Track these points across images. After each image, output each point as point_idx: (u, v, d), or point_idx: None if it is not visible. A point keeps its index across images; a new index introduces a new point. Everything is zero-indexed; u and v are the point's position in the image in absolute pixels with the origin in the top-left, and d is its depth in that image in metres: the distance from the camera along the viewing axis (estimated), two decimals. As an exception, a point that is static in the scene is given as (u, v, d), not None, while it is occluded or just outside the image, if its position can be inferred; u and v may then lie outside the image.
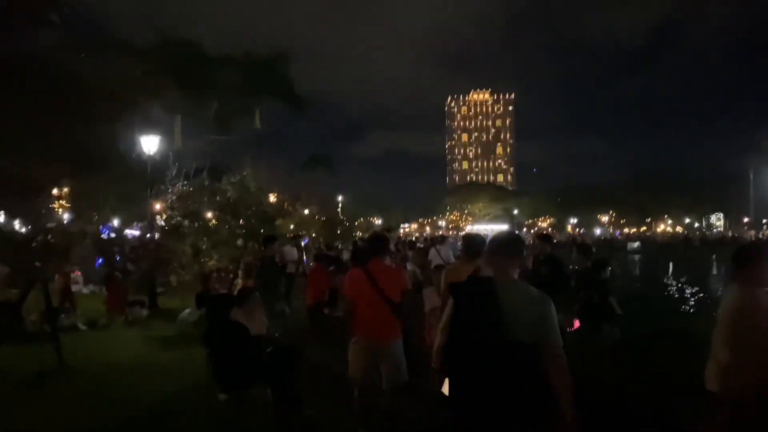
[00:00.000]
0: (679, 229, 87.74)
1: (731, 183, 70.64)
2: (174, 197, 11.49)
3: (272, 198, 22.52)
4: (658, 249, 52.07)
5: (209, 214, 11.29)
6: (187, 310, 10.55)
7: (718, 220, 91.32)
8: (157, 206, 12.80)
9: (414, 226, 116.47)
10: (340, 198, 56.88)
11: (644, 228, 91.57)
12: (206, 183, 11.97)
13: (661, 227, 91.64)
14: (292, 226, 25.65)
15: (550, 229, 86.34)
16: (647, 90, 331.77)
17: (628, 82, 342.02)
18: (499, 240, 3.15)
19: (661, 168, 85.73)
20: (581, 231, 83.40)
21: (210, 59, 16.88)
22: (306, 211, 30.71)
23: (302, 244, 15.56)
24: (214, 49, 19.85)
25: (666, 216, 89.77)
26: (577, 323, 6.32)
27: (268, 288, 7.93)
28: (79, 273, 15.39)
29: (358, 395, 4.76)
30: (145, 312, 11.64)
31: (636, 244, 55.73)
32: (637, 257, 43.41)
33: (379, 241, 5.06)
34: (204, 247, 10.38)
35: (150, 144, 12.56)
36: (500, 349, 2.69)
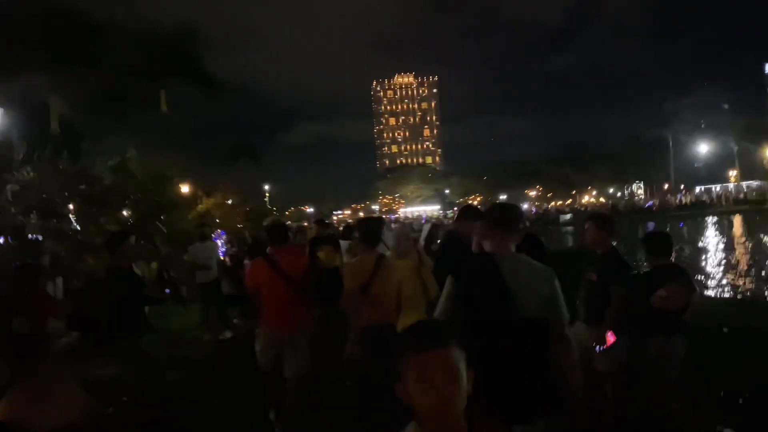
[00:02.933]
0: (602, 199, 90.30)
1: (651, 152, 73.15)
2: (16, 187, 8.60)
3: (185, 189, 20.25)
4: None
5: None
6: None
7: (638, 189, 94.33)
8: None
9: (347, 212, 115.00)
10: (267, 188, 54.75)
11: (569, 200, 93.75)
12: (61, 167, 9.36)
13: (585, 198, 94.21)
14: (218, 220, 23.32)
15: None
16: (569, 66, 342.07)
17: (550, 59, 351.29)
18: (498, 212, 2.97)
19: (584, 141, 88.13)
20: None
21: (94, 30, 14.45)
22: (229, 201, 28.43)
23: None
24: (110, 26, 17.41)
25: (590, 187, 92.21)
26: (610, 338, 4.23)
27: (115, 317, 5.14)
28: None
29: (267, 387, 4.65)
30: None
31: (568, 216, 56.30)
32: (569, 229, 43.58)
33: (277, 228, 4.93)
34: (62, 254, 8.01)
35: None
36: (510, 326, 2.57)
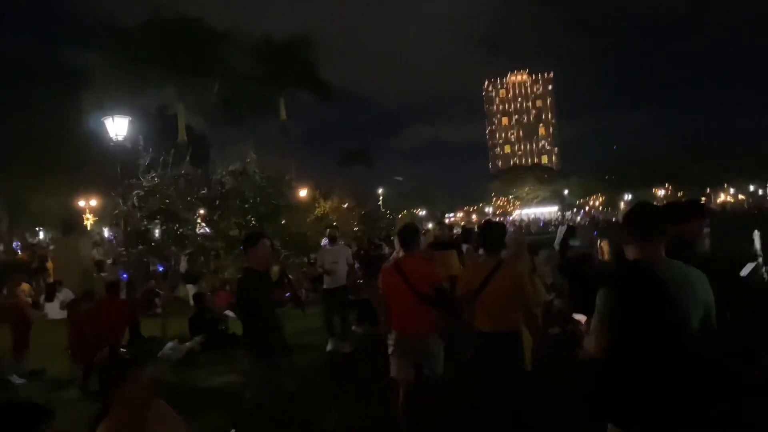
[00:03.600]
0: (741, 197, 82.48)
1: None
2: (141, 193, 8.80)
3: (303, 193, 20.67)
4: (731, 221, 47.82)
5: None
6: (170, 344, 7.95)
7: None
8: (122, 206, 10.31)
9: (460, 214, 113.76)
10: (380, 191, 55.49)
11: (704, 199, 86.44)
12: (182, 171, 9.36)
13: (721, 197, 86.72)
14: (334, 223, 23.63)
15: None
16: (694, 56, 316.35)
17: (672, 49, 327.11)
18: (643, 215, 2.71)
19: (717, 135, 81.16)
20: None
21: (216, 40, 15.00)
22: (345, 205, 28.82)
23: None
24: (229, 36, 18.26)
25: (726, 185, 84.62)
26: None
27: (255, 329, 4.55)
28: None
29: (403, 394, 4.63)
30: None
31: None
32: (705, 231, 39.57)
33: (408, 233, 4.83)
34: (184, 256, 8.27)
35: (117, 128, 9.90)
36: (674, 338, 2.44)
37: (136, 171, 8.89)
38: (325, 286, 8.65)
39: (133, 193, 8.68)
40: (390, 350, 4.76)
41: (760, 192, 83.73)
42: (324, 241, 9.27)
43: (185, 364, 7.47)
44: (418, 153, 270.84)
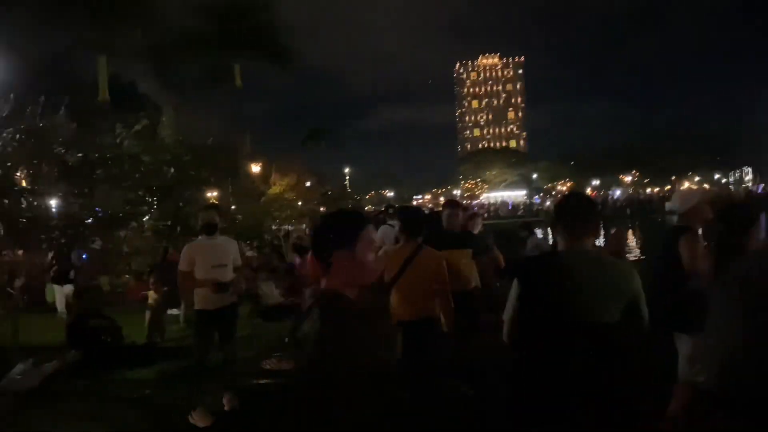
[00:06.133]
0: (706, 185, 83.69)
1: (761, 134, 66.50)
2: None
3: (255, 168, 18.79)
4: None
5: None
6: (20, 366, 5.41)
7: (746, 175, 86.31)
8: None
9: (428, 197, 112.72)
10: (347, 171, 54.05)
11: (668, 187, 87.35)
12: (41, 124, 6.75)
13: (686, 185, 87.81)
14: (300, 203, 21.79)
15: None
16: (664, 46, 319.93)
17: (643, 39, 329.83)
18: (572, 205, 2.62)
19: (684, 124, 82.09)
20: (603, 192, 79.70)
21: None
22: (308, 183, 26.98)
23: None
24: None
25: (691, 173, 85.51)
26: None
27: None
28: None
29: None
30: None
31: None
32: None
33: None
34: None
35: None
36: (578, 332, 2.29)
37: None
38: (198, 307, 5.20)
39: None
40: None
41: (724, 180, 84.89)
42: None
43: (39, 397, 5.09)
44: (387, 135, 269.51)
